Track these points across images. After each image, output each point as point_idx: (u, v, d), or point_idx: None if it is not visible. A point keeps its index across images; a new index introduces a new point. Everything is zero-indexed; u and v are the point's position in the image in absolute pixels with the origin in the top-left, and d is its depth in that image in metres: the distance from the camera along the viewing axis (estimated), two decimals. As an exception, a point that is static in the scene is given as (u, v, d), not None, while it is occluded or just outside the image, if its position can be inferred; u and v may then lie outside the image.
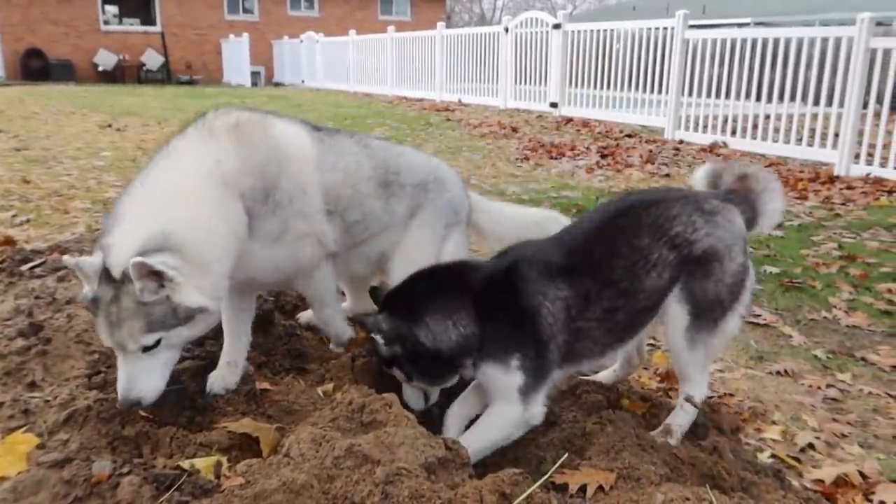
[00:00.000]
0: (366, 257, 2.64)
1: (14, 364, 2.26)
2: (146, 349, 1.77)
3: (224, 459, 1.82)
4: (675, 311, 2.26)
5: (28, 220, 6.42)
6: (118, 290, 1.72)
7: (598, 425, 2.17)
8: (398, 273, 2.55)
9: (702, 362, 2.35)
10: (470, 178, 8.50)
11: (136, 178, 1.92)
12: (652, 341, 3.65)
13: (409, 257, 2.59)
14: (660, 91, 11.90)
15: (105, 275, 1.73)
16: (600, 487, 1.87)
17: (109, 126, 12.61)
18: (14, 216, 6.59)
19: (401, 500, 1.67)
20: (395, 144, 2.74)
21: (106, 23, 27.78)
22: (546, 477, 1.88)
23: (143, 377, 1.79)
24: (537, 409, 2.12)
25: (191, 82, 27.34)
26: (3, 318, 2.64)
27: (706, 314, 2.27)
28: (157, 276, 1.71)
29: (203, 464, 1.78)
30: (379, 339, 2.05)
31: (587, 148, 10.72)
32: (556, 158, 9.98)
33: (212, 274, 1.84)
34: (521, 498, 1.74)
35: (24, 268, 3.35)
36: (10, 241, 4.81)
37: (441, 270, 2.27)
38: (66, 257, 1.79)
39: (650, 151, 10.25)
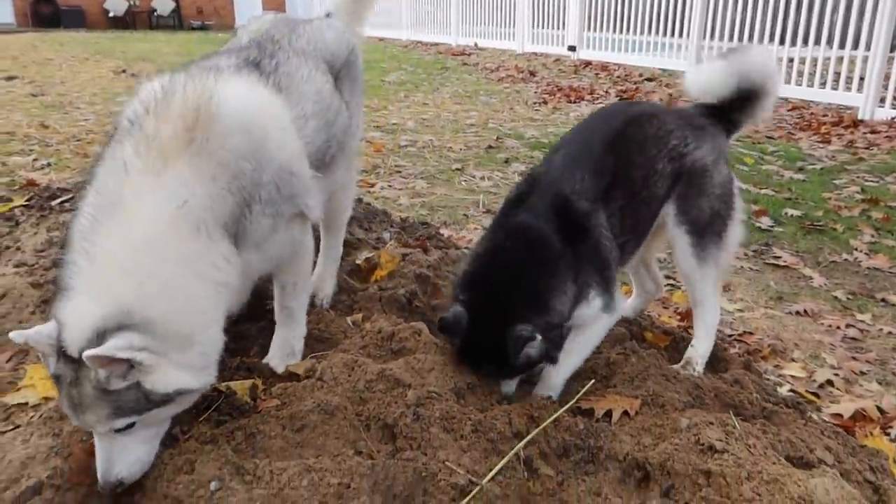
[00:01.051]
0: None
1: (51, 293, 2.31)
2: (120, 430, 1.50)
3: (259, 383, 1.88)
4: (679, 235, 2.29)
5: (49, 164, 6.47)
6: (78, 373, 1.43)
7: (622, 356, 2.21)
8: (342, 169, 2.36)
9: (713, 279, 2.37)
10: (488, 122, 8.41)
11: (75, 236, 1.53)
12: (671, 281, 3.66)
13: (351, 143, 2.39)
14: (681, 34, 11.61)
15: (63, 352, 1.44)
16: (625, 413, 1.91)
17: (124, 72, 12.54)
18: (35, 160, 6.64)
19: (432, 421, 1.72)
20: (302, 21, 2.30)
21: (115, -33, 27.33)
22: (573, 402, 1.93)
23: (122, 457, 1.51)
24: (619, 308, 2.18)
25: (203, 28, 26.97)
26: (38, 249, 2.70)
27: (708, 230, 2.30)
28: (124, 362, 1.41)
29: (239, 386, 1.84)
30: (532, 351, 1.82)
31: (606, 92, 10.54)
32: (574, 102, 9.83)
33: (196, 343, 1.53)
34: (548, 420, 1.79)
35: (54, 203, 3.39)
36: (33, 184, 4.86)
37: (520, 246, 1.96)
38: (12, 333, 1.47)
39: (670, 95, 10.06)
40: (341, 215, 2.60)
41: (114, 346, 1.37)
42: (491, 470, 1.63)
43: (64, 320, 1.45)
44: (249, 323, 2.17)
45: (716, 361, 2.47)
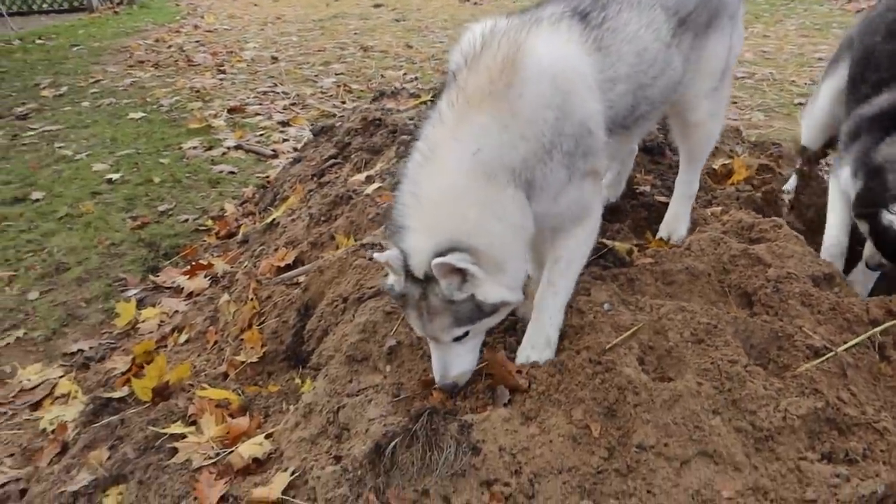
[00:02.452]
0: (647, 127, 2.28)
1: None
2: (456, 339, 1.80)
3: (634, 247, 2.27)
4: None
5: (416, 78, 7.62)
6: (425, 290, 1.72)
7: None
8: (701, 105, 2.28)
9: None
10: (840, 58, 7.66)
11: (405, 178, 1.79)
12: None
13: (698, 85, 2.23)
14: None
15: (409, 275, 1.73)
16: None
17: (467, 1, 13.75)
18: (405, 74, 7.87)
19: (790, 295, 1.94)
20: None
21: None
22: (937, 305, 1.99)
23: (457, 362, 1.82)
24: None
25: (533, -41, 27.71)
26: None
27: None
28: (460, 273, 1.67)
29: (620, 246, 2.25)
30: None
31: None
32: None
33: (506, 269, 1.75)
34: (908, 316, 1.90)
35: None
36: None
37: None
38: (376, 254, 1.81)
39: None
40: (702, 147, 2.46)
41: (453, 258, 1.64)
42: (846, 343, 1.82)
43: (408, 250, 1.72)
44: (622, 201, 2.57)
45: None
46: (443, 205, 1.70)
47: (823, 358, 1.76)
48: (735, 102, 6.22)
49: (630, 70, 1.96)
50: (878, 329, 1.87)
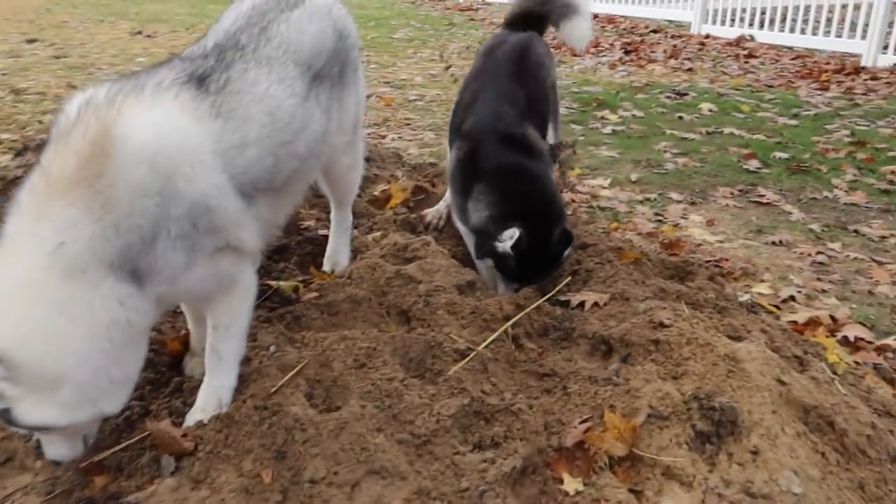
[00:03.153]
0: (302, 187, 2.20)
1: None
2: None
3: (300, 285, 2.33)
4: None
5: (82, 122, 6.94)
6: None
7: (599, 265, 2.63)
8: (341, 161, 2.42)
9: None
10: (494, 77, 8.71)
11: None
12: (660, 218, 4.05)
13: (341, 139, 2.34)
14: (687, -15, 11.72)
15: None
16: (596, 304, 2.34)
17: (139, 33, 12.84)
18: (69, 118, 7.12)
19: (439, 306, 2.17)
20: (288, 8, 2.07)
21: (123, -73, 27.19)
22: (552, 294, 2.37)
23: (51, 448, 1.68)
24: None
25: (212, -12, 26.99)
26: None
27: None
28: None
29: (286, 285, 2.30)
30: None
31: (611, 45, 10.75)
32: (578, 56, 10.06)
33: (67, 384, 1.51)
34: (531, 307, 2.23)
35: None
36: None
37: (529, 181, 2.58)
38: None
39: (674, 46, 10.27)
40: (348, 195, 2.62)
41: None
42: (485, 341, 2.08)
43: None
44: (288, 238, 2.62)
45: (684, 274, 2.87)
46: (3, 300, 1.49)
47: (468, 358, 1.99)
48: (408, 124, 6.73)
49: (262, 132, 1.83)
50: (509, 323, 2.17)
